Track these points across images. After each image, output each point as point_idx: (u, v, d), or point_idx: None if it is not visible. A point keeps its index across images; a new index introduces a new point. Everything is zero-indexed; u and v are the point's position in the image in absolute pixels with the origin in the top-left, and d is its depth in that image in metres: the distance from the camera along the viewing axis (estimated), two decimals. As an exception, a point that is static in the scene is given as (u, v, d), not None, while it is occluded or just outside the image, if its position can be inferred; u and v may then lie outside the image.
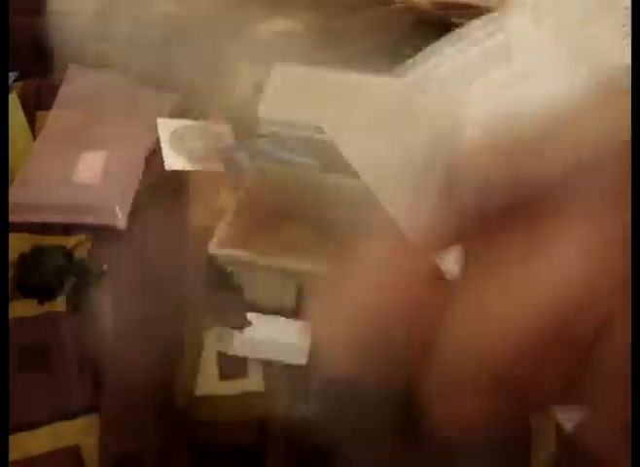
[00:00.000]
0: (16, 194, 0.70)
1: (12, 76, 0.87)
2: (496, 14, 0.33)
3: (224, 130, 0.83)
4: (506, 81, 0.33)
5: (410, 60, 0.32)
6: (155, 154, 0.79)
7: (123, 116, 0.84)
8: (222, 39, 0.97)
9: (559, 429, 0.56)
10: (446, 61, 0.32)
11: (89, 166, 0.76)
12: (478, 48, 0.32)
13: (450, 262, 0.26)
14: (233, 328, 0.61)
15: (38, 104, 0.83)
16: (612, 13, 0.33)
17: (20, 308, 0.63)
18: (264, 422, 0.56)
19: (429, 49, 0.33)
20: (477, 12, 1.02)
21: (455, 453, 0.56)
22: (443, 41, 0.33)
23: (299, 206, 0.72)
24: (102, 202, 0.71)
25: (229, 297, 0.65)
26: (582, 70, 0.34)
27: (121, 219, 0.69)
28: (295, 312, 0.63)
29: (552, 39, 0.34)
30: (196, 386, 0.58)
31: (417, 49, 0.95)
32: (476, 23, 0.33)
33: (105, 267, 0.66)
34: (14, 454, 0.52)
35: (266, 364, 0.60)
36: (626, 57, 0.32)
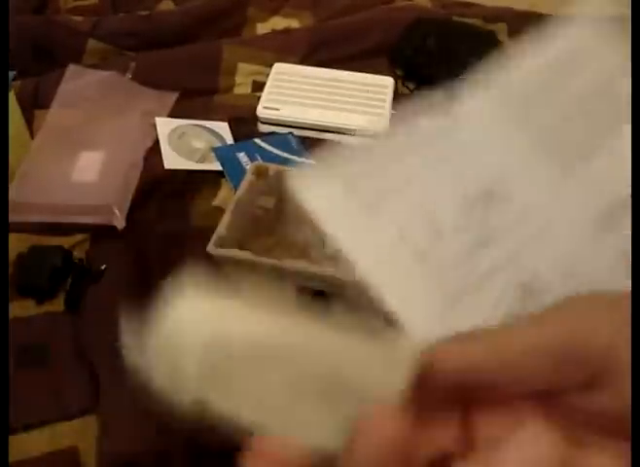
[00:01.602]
0: (14, 193, 0.70)
1: (10, 75, 0.86)
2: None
3: (223, 130, 0.83)
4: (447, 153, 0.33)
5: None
6: (154, 153, 0.79)
7: (121, 115, 0.83)
8: (222, 39, 0.97)
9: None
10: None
11: (88, 166, 0.75)
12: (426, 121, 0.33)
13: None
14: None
15: (36, 103, 0.83)
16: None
17: (19, 308, 0.62)
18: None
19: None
20: (478, 10, 1.01)
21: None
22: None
23: (298, 206, 0.71)
24: (100, 202, 0.70)
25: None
26: (524, 140, 0.35)
27: (119, 219, 0.69)
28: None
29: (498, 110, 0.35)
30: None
31: (417, 48, 0.95)
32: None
33: (103, 266, 0.66)
34: (12, 456, 0.52)
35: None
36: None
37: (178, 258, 0.68)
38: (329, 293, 0.61)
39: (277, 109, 0.84)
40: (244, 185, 0.67)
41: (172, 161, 0.78)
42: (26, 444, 0.54)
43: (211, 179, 0.77)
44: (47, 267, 0.64)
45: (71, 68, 0.87)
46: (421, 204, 0.32)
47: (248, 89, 0.91)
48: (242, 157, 0.79)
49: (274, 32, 0.99)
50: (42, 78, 0.87)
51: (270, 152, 0.81)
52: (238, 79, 0.92)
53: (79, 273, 0.65)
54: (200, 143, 0.81)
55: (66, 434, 0.55)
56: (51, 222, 0.69)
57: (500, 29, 0.99)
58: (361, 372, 0.24)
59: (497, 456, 0.21)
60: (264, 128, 0.85)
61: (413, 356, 0.23)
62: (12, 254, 0.65)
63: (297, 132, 0.84)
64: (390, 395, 0.23)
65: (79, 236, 0.68)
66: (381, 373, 0.24)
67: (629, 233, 0.27)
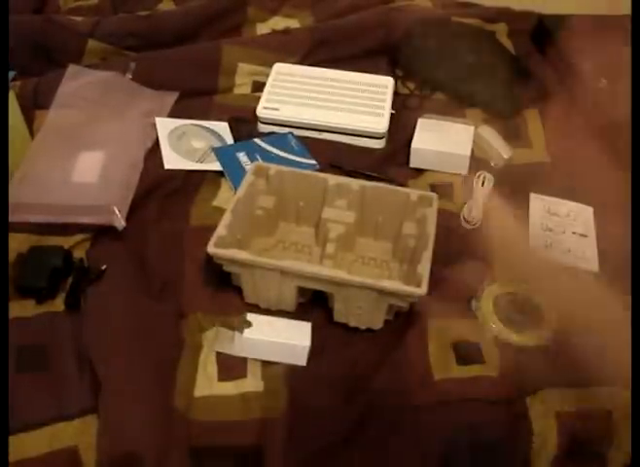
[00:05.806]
0: (14, 193, 0.70)
1: (10, 75, 0.86)
2: None
3: (223, 130, 0.83)
4: None
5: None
6: (154, 153, 0.79)
7: (121, 115, 0.83)
8: (222, 39, 0.97)
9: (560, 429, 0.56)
10: None
11: (88, 166, 0.75)
12: None
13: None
14: (233, 328, 0.60)
15: (36, 103, 0.83)
16: None
17: (19, 309, 0.62)
18: (264, 422, 0.56)
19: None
20: (477, 10, 1.01)
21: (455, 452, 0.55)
22: None
23: (298, 206, 0.71)
24: (101, 202, 0.70)
25: (228, 297, 0.64)
26: None
27: (119, 219, 0.69)
28: (295, 313, 0.63)
29: None
30: (196, 387, 0.58)
31: (417, 48, 0.96)
32: None
33: (104, 267, 0.66)
34: (12, 456, 0.52)
35: (266, 364, 0.59)
36: None
37: (178, 258, 0.68)
38: (329, 293, 0.61)
39: (277, 109, 0.84)
40: (244, 185, 0.67)
41: (172, 161, 0.78)
42: (26, 444, 0.54)
43: (211, 179, 0.77)
44: (47, 267, 0.64)
45: (71, 68, 0.88)
46: None
47: (248, 90, 0.91)
48: (242, 157, 0.79)
49: (274, 32, 0.99)
50: (42, 78, 0.87)
51: (270, 152, 0.81)
52: (238, 79, 0.92)
53: (79, 273, 0.65)
54: (200, 143, 0.81)
55: (66, 434, 0.55)
56: (51, 222, 0.69)
57: (500, 29, 0.99)
58: None
59: None
60: (264, 128, 0.85)
61: None
62: (12, 254, 0.65)
63: (297, 132, 0.84)
64: None
65: (79, 237, 0.68)
66: None
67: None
